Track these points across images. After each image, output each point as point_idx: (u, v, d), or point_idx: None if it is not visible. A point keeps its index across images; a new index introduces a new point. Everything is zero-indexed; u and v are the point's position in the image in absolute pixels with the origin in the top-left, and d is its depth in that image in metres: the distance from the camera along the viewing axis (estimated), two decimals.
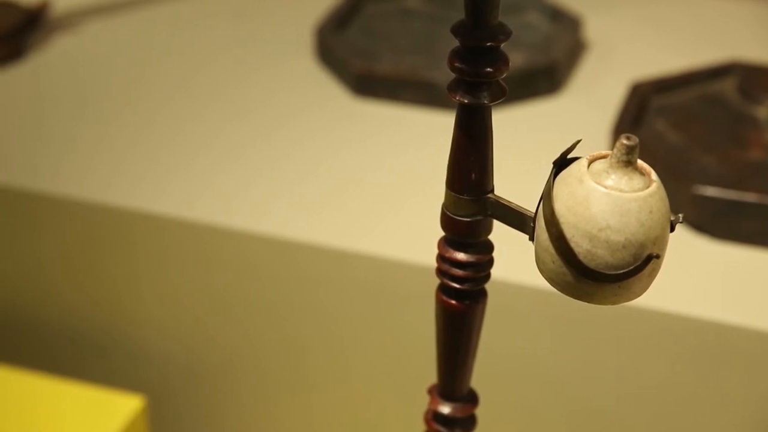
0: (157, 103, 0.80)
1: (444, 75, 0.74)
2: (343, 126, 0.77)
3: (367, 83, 0.80)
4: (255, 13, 0.93)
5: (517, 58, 0.79)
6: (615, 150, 0.34)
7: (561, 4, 0.89)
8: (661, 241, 0.35)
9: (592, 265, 0.34)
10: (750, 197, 0.64)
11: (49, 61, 0.85)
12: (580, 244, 0.34)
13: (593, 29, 0.88)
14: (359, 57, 0.81)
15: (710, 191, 0.64)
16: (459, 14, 0.37)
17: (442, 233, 0.41)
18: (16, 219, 0.73)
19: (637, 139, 0.34)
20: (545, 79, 0.80)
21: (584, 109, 0.78)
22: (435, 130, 0.76)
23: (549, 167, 0.36)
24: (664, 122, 0.72)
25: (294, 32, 0.88)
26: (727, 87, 0.75)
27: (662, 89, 0.75)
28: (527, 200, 0.39)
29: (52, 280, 0.74)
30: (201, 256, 0.69)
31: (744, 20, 0.91)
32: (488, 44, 0.36)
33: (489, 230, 0.41)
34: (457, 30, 0.37)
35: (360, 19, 0.88)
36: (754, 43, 0.86)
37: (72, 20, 0.89)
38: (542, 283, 0.37)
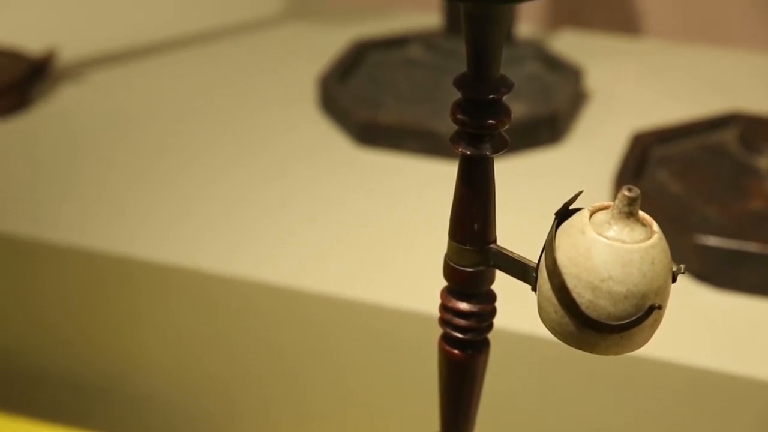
0: (160, 150, 0.80)
1: (447, 124, 0.75)
2: (346, 174, 0.78)
3: (371, 132, 0.80)
4: (259, 63, 0.93)
5: (518, 109, 0.79)
6: (617, 201, 0.35)
7: (562, 54, 0.89)
8: (663, 292, 0.35)
9: (594, 315, 0.34)
10: (752, 247, 0.64)
11: (54, 110, 0.85)
12: (582, 295, 0.34)
13: (594, 79, 0.88)
14: (362, 106, 0.82)
15: (712, 241, 0.64)
16: (462, 64, 0.38)
17: (444, 282, 0.41)
18: (19, 268, 0.73)
19: (638, 191, 0.34)
20: (547, 129, 0.80)
21: (586, 158, 0.79)
22: (438, 178, 0.76)
23: (551, 217, 0.36)
24: (666, 172, 0.72)
25: (298, 81, 0.89)
26: (728, 137, 0.76)
27: (663, 139, 0.76)
28: (529, 250, 0.39)
29: (55, 328, 0.74)
30: (204, 303, 0.69)
31: (744, 71, 0.92)
32: (490, 97, 0.37)
33: (491, 280, 0.41)
34: (459, 83, 0.37)
35: (363, 68, 0.88)
36: (754, 94, 0.87)
37: (77, 70, 0.90)
38: (545, 332, 0.37)
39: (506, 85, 0.37)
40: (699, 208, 0.68)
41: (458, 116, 0.37)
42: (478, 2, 0.35)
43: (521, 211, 0.69)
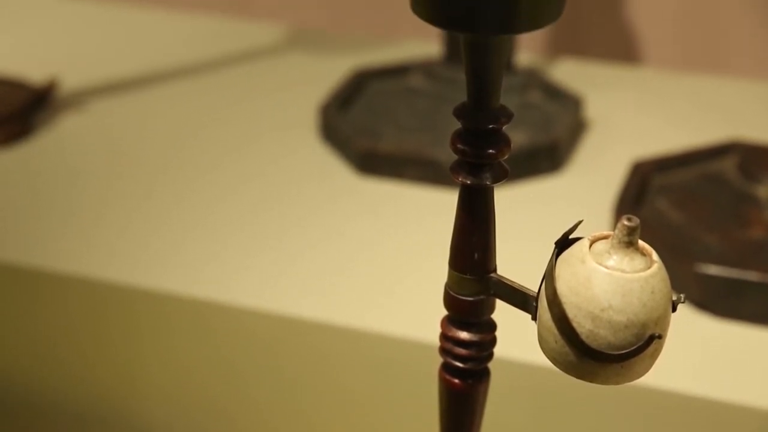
0: (160, 178, 0.81)
1: (447, 153, 0.75)
2: (346, 203, 0.78)
3: (371, 161, 0.81)
4: (259, 91, 0.94)
5: (518, 137, 0.80)
6: (616, 231, 0.35)
7: (562, 83, 0.90)
8: (663, 321, 0.35)
9: (594, 345, 0.35)
10: (752, 276, 0.64)
11: (55, 139, 0.86)
12: (582, 325, 0.35)
13: (594, 108, 0.89)
14: (363, 135, 0.82)
15: (712, 270, 0.65)
16: (462, 93, 0.38)
17: (445, 311, 0.41)
18: (19, 296, 0.73)
19: (638, 221, 0.34)
20: (547, 157, 0.81)
21: (586, 187, 0.79)
22: (439, 207, 0.76)
23: (551, 246, 0.36)
24: (666, 201, 0.73)
25: (298, 110, 0.89)
26: (728, 166, 0.76)
27: (663, 168, 0.76)
28: (530, 279, 0.39)
29: (55, 356, 0.74)
30: (204, 331, 0.69)
31: (744, 99, 0.92)
32: (490, 126, 0.37)
33: (492, 309, 0.41)
34: (459, 113, 0.37)
35: (364, 97, 0.89)
36: (754, 123, 0.87)
37: (79, 99, 0.91)
38: (545, 362, 0.37)
39: (506, 115, 0.37)
40: (699, 237, 0.69)
41: (458, 146, 0.38)
42: (477, 33, 0.35)
43: (521, 240, 0.69)
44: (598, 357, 0.35)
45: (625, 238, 0.35)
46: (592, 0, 0.98)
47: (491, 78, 0.37)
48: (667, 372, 0.60)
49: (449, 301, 0.41)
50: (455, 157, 0.38)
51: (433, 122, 0.84)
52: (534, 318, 0.37)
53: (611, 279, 0.34)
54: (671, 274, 0.35)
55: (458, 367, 0.41)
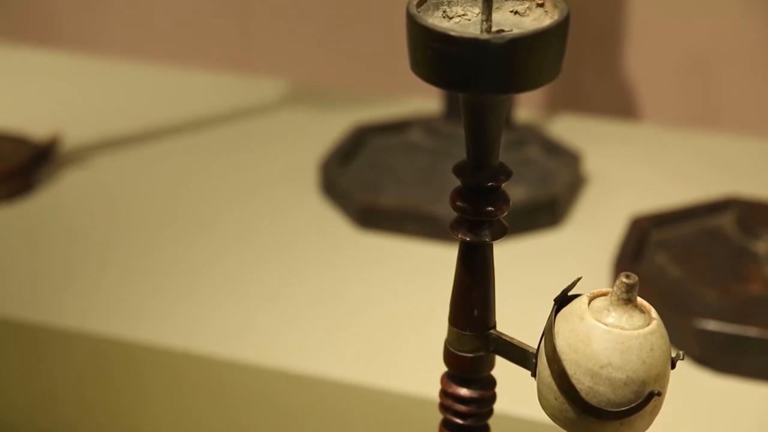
0: (162, 234, 0.81)
1: (447, 208, 0.75)
2: (347, 257, 0.78)
3: (371, 215, 0.81)
4: (260, 146, 0.94)
5: (518, 192, 0.80)
6: (615, 288, 0.35)
7: (561, 138, 0.90)
8: (662, 378, 0.35)
9: (594, 402, 0.35)
10: (752, 332, 0.64)
11: (58, 194, 0.86)
12: (582, 381, 0.35)
13: (593, 163, 0.89)
14: (363, 190, 0.83)
15: (712, 325, 0.65)
16: (462, 149, 0.38)
17: (444, 368, 0.41)
18: (23, 353, 0.73)
19: (636, 278, 0.35)
20: (546, 212, 0.81)
21: (585, 242, 0.79)
22: (439, 262, 0.76)
23: (550, 302, 0.37)
24: (665, 256, 0.73)
25: (299, 165, 0.90)
26: (727, 221, 0.76)
27: (662, 223, 0.76)
28: (529, 336, 0.40)
29: (59, 413, 0.74)
30: (207, 387, 0.69)
31: (742, 155, 0.93)
32: (489, 184, 0.37)
33: (492, 366, 0.41)
34: (458, 170, 0.38)
35: (364, 152, 0.89)
36: (752, 178, 0.88)
37: (81, 154, 0.91)
38: (545, 418, 0.37)
39: (505, 173, 0.38)
40: (698, 292, 0.69)
41: (458, 203, 0.38)
42: (476, 93, 0.35)
43: (521, 296, 0.69)
44: (598, 414, 0.35)
45: (624, 295, 0.35)
46: (590, 56, 0.99)
47: (490, 136, 0.37)
48: (667, 429, 0.60)
49: (449, 357, 0.41)
50: (455, 212, 0.38)
51: (433, 177, 0.84)
52: (534, 374, 0.38)
53: (610, 336, 0.34)
54: (670, 330, 0.36)
55: (458, 423, 0.41)
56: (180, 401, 0.70)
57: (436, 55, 0.34)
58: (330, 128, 0.95)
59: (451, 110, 0.89)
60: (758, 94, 0.96)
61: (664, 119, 0.99)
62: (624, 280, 0.35)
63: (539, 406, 0.37)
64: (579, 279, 0.37)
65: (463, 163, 0.38)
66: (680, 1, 0.95)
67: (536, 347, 0.37)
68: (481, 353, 0.40)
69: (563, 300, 0.37)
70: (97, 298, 0.74)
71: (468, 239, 0.38)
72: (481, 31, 0.36)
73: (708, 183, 0.86)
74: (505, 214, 0.38)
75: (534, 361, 0.37)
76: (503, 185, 0.38)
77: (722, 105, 0.98)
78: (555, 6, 0.36)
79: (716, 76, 0.97)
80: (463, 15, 0.37)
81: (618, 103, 1.01)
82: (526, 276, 0.75)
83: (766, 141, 0.95)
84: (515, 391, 0.48)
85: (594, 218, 0.83)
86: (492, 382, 0.41)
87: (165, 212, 0.84)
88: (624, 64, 0.99)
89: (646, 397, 0.35)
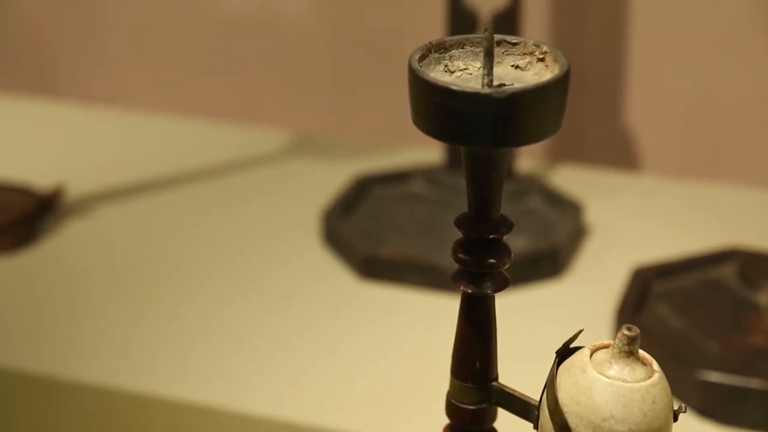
0: (165, 284, 0.81)
1: (449, 259, 0.75)
2: (348, 308, 0.78)
3: (373, 266, 0.81)
4: (262, 197, 0.95)
5: (519, 243, 0.80)
6: (617, 340, 0.35)
7: (562, 189, 0.91)
8: (664, 431, 0.35)
9: None
10: (754, 383, 0.64)
11: (61, 245, 0.86)
12: None
13: (594, 214, 0.90)
14: (365, 240, 0.83)
15: (714, 377, 0.64)
16: (463, 199, 0.39)
17: (447, 420, 0.41)
18: (26, 404, 0.73)
19: (638, 330, 0.35)
20: (548, 263, 0.81)
21: (587, 293, 0.79)
22: (440, 313, 0.76)
23: (552, 354, 0.37)
24: (667, 307, 0.73)
25: (301, 216, 0.90)
26: (728, 273, 0.76)
27: (663, 274, 0.76)
28: (531, 387, 0.40)
29: None
30: None
31: (743, 206, 0.93)
32: (491, 236, 0.38)
33: (494, 418, 0.41)
34: (460, 223, 0.38)
35: (366, 203, 0.90)
36: (753, 230, 0.88)
37: (84, 205, 0.91)
38: None
39: (506, 225, 0.38)
40: (700, 343, 0.69)
41: (459, 255, 0.38)
42: (478, 146, 0.36)
43: (522, 347, 0.69)
44: None
45: (626, 348, 0.35)
46: (591, 106, 1.00)
47: (491, 189, 0.37)
48: None
49: (451, 409, 0.41)
50: (457, 264, 0.39)
51: (434, 228, 0.84)
52: (536, 427, 0.38)
53: (612, 389, 0.34)
54: (672, 381, 0.36)
55: None
56: None
57: (438, 109, 0.35)
58: (332, 178, 0.95)
59: (452, 161, 0.89)
60: (759, 145, 0.97)
61: (665, 170, 1.00)
62: (626, 332, 0.35)
63: None
64: (580, 332, 0.37)
65: (464, 215, 0.38)
66: (680, 51, 0.96)
67: (538, 399, 0.37)
68: (483, 405, 0.40)
69: (565, 352, 0.37)
70: (100, 349, 0.74)
71: (470, 291, 0.38)
72: (483, 86, 0.36)
73: (709, 234, 0.87)
74: (507, 266, 0.38)
75: (536, 413, 0.37)
76: (505, 237, 0.38)
77: (723, 155, 0.98)
78: (555, 60, 0.37)
79: (717, 126, 0.97)
80: (465, 69, 0.38)
81: (619, 153, 1.01)
82: (527, 327, 0.75)
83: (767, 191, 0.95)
84: None
85: (595, 269, 0.83)
86: None
87: (167, 263, 0.84)
88: (624, 114, 0.99)
89: None
